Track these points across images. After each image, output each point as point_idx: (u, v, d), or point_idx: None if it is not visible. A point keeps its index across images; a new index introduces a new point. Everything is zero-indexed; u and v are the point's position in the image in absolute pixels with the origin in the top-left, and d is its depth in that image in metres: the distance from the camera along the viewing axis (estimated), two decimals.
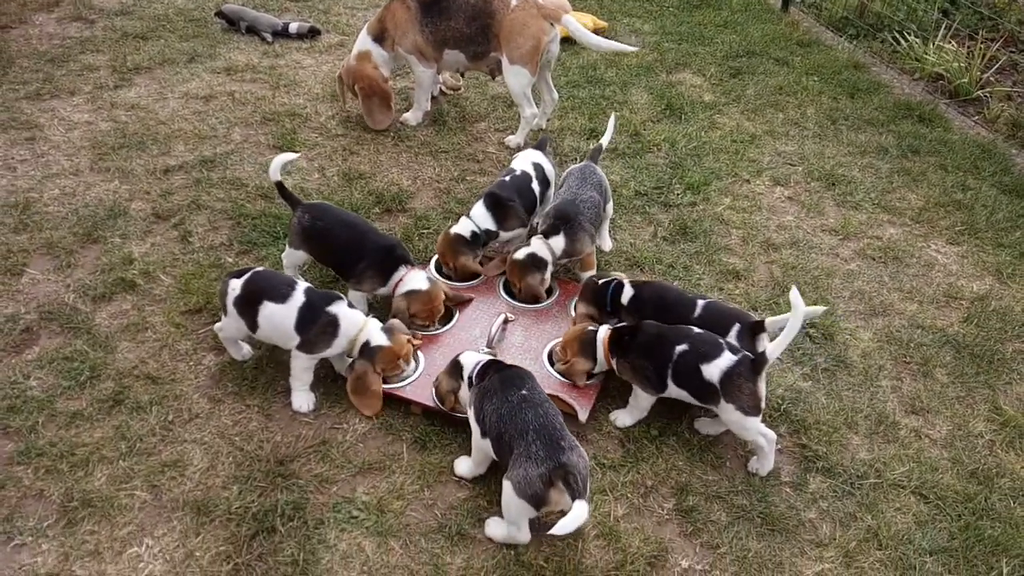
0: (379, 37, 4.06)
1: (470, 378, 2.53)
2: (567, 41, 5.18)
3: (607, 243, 3.54)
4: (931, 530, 2.46)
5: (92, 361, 2.88)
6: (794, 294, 2.40)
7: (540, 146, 3.61)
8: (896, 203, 4.03)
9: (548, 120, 4.40)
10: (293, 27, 5.07)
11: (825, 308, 2.89)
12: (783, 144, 4.44)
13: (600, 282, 2.96)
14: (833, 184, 4.13)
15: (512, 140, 4.22)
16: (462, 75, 4.62)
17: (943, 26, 5.58)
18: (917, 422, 2.84)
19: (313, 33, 5.12)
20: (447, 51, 4.04)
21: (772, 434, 2.56)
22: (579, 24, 3.97)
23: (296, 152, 3.47)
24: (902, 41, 5.59)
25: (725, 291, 3.38)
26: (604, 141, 3.58)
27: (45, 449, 2.58)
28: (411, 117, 4.34)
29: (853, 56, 5.41)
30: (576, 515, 2.06)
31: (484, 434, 2.39)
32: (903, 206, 4.01)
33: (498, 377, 2.44)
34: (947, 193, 4.10)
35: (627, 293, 2.88)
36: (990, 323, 3.27)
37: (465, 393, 2.55)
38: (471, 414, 2.47)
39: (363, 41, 4.09)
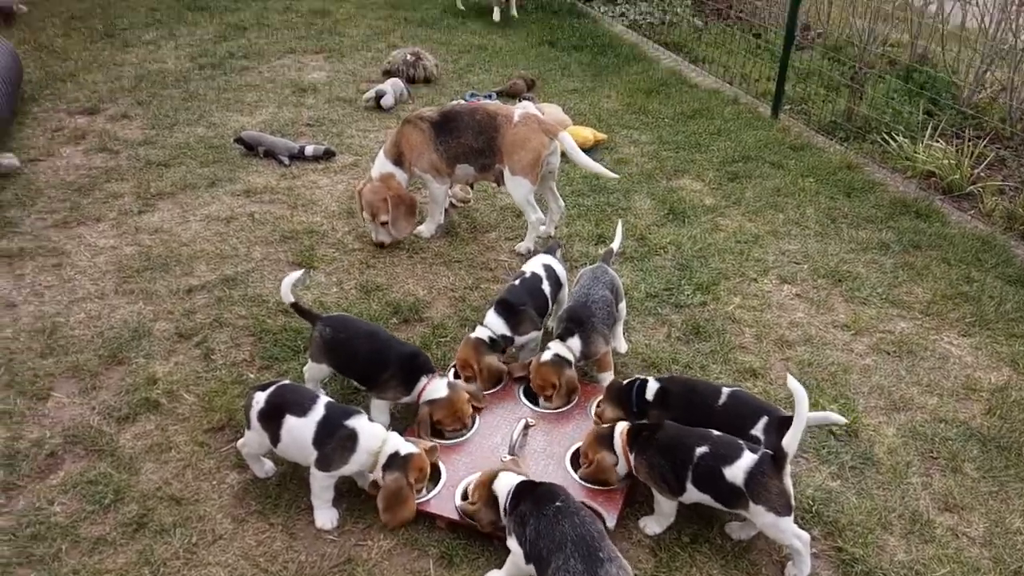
0: (397, 160, 4.26)
1: (504, 508, 2.52)
2: None
3: (622, 345, 3.59)
4: None
5: (116, 484, 2.88)
6: (791, 382, 2.43)
7: (550, 250, 3.73)
8: (904, 297, 4.10)
9: (556, 228, 4.54)
10: (309, 150, 5.31)
11: (844, 420, 2.91)
12: (786, 243, 4.56)
13: (624, 383, 3.00)
14: (839, 280, 4.21)
15: (522, 246, 4.37)
16: (471, 187, 4.79)
17: (929, 126, 5.82)
18: (952, 520, 2.80)
19: (328, 155, 5.35)
20: (459, 165, 4.25)
21: (806, 535, 2.52)
22: (573, 143, 4.20)
23: (302, 269, 3.58)
24: (891, 142, 5.82)
25: (744, 389, 3.39)
26: (615, 245, 3.70)
27: None
28: (425, 230, 4.49)
29: (845, 157, 5.62)
30: None
31: (528, 558, 2.35)
32: (911, 300, 4.08)
33: (532, 498, 2.44)
34: (953, 286, 4.17)
35: (652, 388, 2.91)
36: (1013, 415, 3.27)
37: (504, 521, 2.53)
38: (513, 541, 2.43)
39: (383, 164, 4.28)
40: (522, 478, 2.56)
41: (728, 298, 4.04)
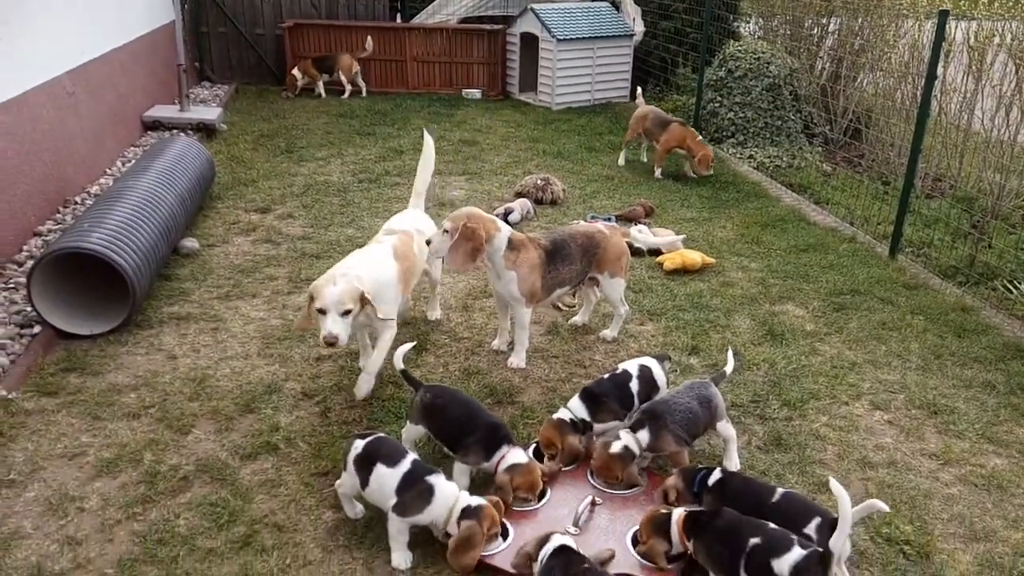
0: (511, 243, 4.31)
1: (541, 558, 2.75)
2: (677, 272, 5.76)
3: (734, 462, 3.65)
4: None
5: (231, 508, 3.32)
6: (833, 484, 2.55)
7: (659, 357, 3.98)
8: (1003, 436, 4.00)
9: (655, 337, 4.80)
10: None
11: (886, 508, 2.90)
12: (885, 373, 4.58)
13: (697, 467, 3.22)
14: (935, 413, 4.18)
15: (608, 334, 4.80)
16: (574, 295, 5.16)
17: None
18: None
19: None
20: (557, 291, 4.50)
21: None
22: (637, 234, 4.99)
23: (413, 343, 4.04)
24: (1013, 290, 5.72)
25: (818, 502, 3.43)
26: (728, 369, 3.85)
27: None
28: (516, 360, 4.50)
29: (961, 300, 5.57)
30: None
31: None
32: (1010, 439, 3.97)
33: (564, 558, 2.69)
34: None
35: (715, 476, 3.08)
36: None
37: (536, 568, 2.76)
38: None
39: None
40: (563, 544, 2.77)
41: (815, 416, 4.11)
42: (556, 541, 2.77)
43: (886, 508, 2.82)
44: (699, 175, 7.99)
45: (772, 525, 2.75)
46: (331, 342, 3.66)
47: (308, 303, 3.79)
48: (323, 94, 10.91)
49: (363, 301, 3.77)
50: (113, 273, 4.57)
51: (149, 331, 4.75)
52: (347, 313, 3.71)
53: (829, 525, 2.78)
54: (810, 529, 2.80)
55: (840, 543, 2.53)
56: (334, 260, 5.83)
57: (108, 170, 7.35)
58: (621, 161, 8.55)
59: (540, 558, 2.74)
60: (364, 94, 11.04)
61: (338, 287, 3.71)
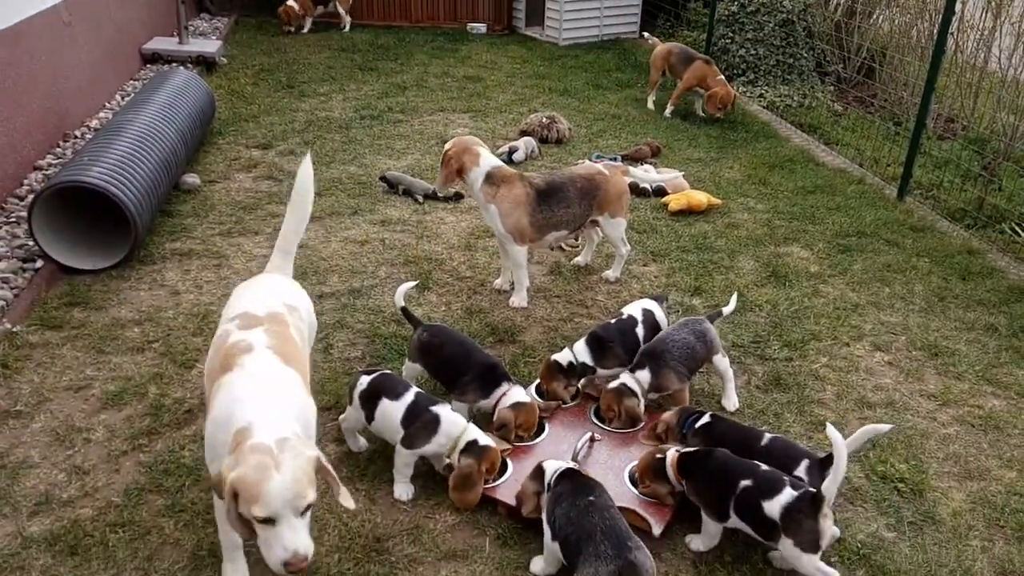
0: (489, 176, 4.30)
1: (548, 483, 2.79)
2: (682, 213, 5.71)
3: (732, 402, 3.67)
4: None
5: None
6: (830, 430, 2.56)
7: (657, 298, 3.98)
8: (1002, 377, 4.02)
9: (656, 279, 4.78)
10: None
11: (890, 426, 2.93)
12: (887, 315, 4.57)
13: (695, 411, 3.23)
14: (936, 354, 4.19)
15: (611, 274, 4.79)
16: (577, 237, 5.12)
17: None
18: None
19: (457, 197, 5.89)
20: (552, 234, 4.42)
21: (834, 572, 2.58)
22: (638, 171, 4.91)
23: (415, 281, 4.03)
24: (1021, 233, 5.66)
25: (815, 440, 3.48)
26: (726, 309, 3.85)
27: (186, 506, 3.03)
28: (517, 300, 4.50)
29: (967, 242, 5.53)
30: None
31: (554, 537, 2.61)
32: (1009, 380, 3.99)
33: (570, 484, 2.70)
34: None
35: (702, 421, 3.10)
36: None
37: (545, 497, 2.80)
38: (544, 517, 2.70)
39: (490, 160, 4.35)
40: (569, 466, 2.81)
41: (816, 357, 4.12)
42: (552, 467, 2.81)
43: (886, 428, 2.84)
44: (708, 114, 7.83)
45: (764, 466, 2.77)
46: (300, 565, 2.13)
47: (229, 501, 2.15)
48: (311, 26, 10.64)
49: (320, 471, 2.28)
50: (114, 208, 4.55)
51: (151, 267, 4.76)
52: (308, 508, 2.20)
53: (818, 465, 2.82)
54: (800, 471, 2.84)
55: (834, 488, 2.56)
56: (336, 198, 5.82)
57: (107, 103, 7.25)
58: (650, 105, 8.30)
59: (547, 486, 2.77)
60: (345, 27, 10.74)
61: (286, 472, 2.14)
